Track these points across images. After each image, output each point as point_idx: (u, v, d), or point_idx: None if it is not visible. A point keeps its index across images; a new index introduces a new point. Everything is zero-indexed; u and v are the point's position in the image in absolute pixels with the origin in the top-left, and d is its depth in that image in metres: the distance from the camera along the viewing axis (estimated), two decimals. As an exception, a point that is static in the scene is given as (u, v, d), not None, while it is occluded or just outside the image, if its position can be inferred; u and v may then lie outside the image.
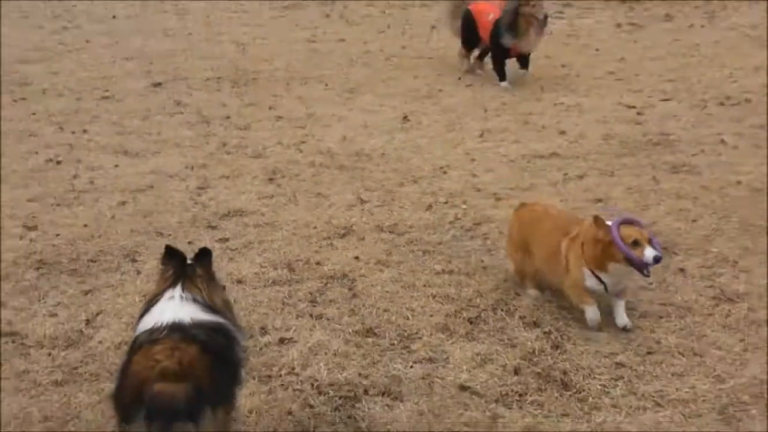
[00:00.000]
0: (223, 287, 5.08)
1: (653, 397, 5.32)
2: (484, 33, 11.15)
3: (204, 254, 4.84)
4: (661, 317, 6.18)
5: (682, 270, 6.90)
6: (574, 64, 13.69)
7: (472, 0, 11.94)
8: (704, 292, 6.54)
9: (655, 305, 6.40)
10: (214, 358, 4.36)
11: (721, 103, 11.48)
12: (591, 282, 5.61)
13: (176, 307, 4.51)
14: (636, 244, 5.32)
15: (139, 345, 4.26)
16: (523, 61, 11.31)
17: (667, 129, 10.50)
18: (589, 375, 5.61)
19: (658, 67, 13.34)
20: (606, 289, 5.64)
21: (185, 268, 4.64)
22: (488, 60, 11.90)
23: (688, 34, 15.85)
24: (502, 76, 11.05)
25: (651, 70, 13.13)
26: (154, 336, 4.36)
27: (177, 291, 4.61)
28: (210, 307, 4.59)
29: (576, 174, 9.03)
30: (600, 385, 5.51)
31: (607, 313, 5.91)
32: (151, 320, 4.40)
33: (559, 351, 5.86)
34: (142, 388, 4.06)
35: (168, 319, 4.40)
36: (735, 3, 18.43)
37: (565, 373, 5.63)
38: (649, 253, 5.32)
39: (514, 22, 10.54)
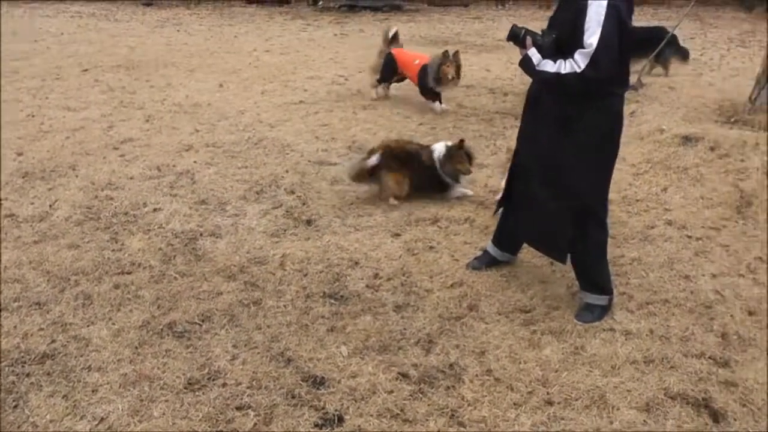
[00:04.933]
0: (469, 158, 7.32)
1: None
2: (409, 73, 10.74)
3: (461, 142, 7.19)
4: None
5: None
6: (312, 55, 15.96)
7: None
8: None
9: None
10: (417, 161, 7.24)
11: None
12: None
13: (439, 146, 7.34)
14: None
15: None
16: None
17: (361, 87, 12.43)
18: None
19: (356, 56, 15.37)
20: None
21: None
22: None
23: (376, 39, 16.93)
24: (436, 100, 10.65)
25: (353, 57, 15.25)
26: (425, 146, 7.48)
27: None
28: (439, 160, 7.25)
29: (313, 111, 10.92)
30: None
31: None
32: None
33: (305, 206, 7.18)
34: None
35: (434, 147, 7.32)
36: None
37: (310, 218, 6.88)
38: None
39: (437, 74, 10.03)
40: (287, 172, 8.19)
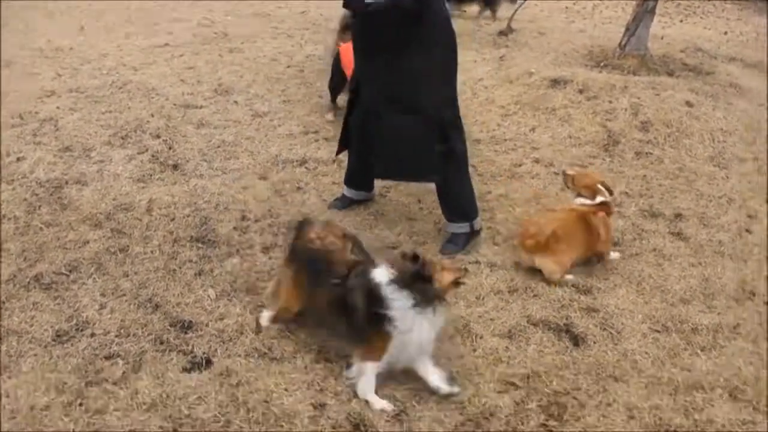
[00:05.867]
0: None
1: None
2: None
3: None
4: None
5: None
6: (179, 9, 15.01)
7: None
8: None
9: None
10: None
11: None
12: None
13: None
14: None
15: None
16: None
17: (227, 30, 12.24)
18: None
19: None
20: None
21: None
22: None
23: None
24: None
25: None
26: None
27: None
28: None
29: (178, 54, 10.62)
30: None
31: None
32: None
33: (171, 150, 7.10)
34: None
35: None
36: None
37: (176, 163, 6.83)
38: None
39: None
40: (152, 116, 7.97)
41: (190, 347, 4.41)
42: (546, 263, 5.12)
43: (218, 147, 7.27)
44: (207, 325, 4.61)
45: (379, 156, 5.43)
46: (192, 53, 10.70)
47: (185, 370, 4.22)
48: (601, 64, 9.87)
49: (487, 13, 13.22)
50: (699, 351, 4.51)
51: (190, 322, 4.64)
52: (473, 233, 5.51)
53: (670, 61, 10.29)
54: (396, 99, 5.12)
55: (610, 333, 4.62)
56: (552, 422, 3.90)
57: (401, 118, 5.13)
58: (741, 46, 12.14)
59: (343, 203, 5.95)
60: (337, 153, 6.17)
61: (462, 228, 5.45)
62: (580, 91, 8.59)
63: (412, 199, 6.22)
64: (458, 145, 5.33)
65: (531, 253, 5.15)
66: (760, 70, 10.69)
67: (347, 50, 6.96)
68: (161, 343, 4.44)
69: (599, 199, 5.31)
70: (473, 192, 5.54)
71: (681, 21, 15.51)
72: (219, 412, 3.88)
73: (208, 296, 4.92)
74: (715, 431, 3.92)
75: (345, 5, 5.31)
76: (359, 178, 5.89)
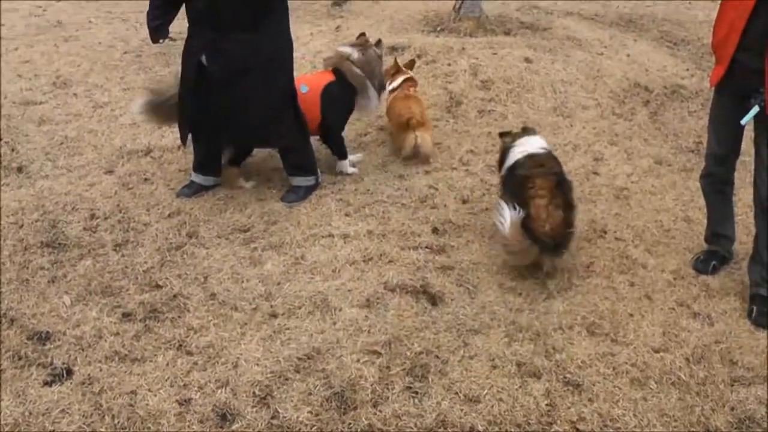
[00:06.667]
0: None
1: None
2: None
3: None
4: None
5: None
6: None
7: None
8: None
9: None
10: None
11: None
12: None
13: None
14: None
15: None
16: None
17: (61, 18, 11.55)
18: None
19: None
20: None
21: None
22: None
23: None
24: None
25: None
26: None
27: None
28: None
29: (12, 47, 9.93)
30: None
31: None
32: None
33: (14, 152, 6.82)
34: None
35: None
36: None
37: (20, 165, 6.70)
38: None
39: None
40: (-9, 117, 7.44)
41: (49, 359, 4.29)
42: (425, 138, 6.13)
43: (61, 144, 7.01)
44: (65, 334, 4.48)
45: (229, 125, 5.56)
46: (26, 45, 10.17)
47: (46, 383, 4.11)
48: (438, 28, 9.94)
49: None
50: (555, 294, 4.72)
51: (48, 332, 4.50)
52: (316, 184, 5.93)
53: (506, 20, 10.44)
54: (252, 70, 5.31)
55: (467, 288, 4.80)
56: (417, 384, 4.04)
57: (258, 88, 5.30)
58: (577, 0, 12.39)
59: (192, 190, 5.88)
60: (184, 145, 6.15)
61: (309, 181, 5.87)
62: (419, 56, 8.63)
63: (260, 179, 6.18)
64: (300, 111, 5.65)
65: (414, 129, 6.09)
66: (597, 21, 10.86)
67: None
68: (19, 358, 4.30)
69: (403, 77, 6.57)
70: (313, 149, 5.99)
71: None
72: (84, 423, 3.83)
73: (64, 303, 4.79)
74: (576, 368, 4.21)
75: None
76: (208, 163, 5.88)
